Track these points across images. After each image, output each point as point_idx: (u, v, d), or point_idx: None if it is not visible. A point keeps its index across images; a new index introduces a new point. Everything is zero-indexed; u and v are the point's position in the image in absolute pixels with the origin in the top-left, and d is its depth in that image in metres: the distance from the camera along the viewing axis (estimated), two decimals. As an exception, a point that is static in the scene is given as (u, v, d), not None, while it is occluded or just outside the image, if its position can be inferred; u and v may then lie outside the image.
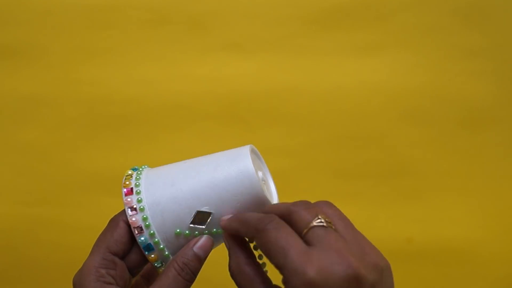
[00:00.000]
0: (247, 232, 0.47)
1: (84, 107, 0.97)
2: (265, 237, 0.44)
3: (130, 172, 0.54)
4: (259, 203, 0.51)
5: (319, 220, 0.44)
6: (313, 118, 0.97)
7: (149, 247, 0.51)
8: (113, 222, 0.53)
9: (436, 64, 0.95)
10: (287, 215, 0.46)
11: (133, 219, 0.51)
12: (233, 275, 0.48)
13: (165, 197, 0.51)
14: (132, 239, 0.52)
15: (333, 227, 0.45)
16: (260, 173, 0.53)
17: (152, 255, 0.51)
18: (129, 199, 0.51)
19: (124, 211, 0.52)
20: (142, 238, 0.50)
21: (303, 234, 0.44)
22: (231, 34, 0.96)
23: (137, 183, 0.52)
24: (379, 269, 0.43)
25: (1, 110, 0.98)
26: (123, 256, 0.53)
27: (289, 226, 0.45)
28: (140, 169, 0.54)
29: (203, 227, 0.51)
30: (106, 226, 0.53)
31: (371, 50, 0.95)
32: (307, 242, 0.43)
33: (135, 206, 0.51)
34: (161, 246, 0.51)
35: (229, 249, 0.50)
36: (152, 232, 0.50)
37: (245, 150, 0.52)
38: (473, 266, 0.95)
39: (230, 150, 0.54)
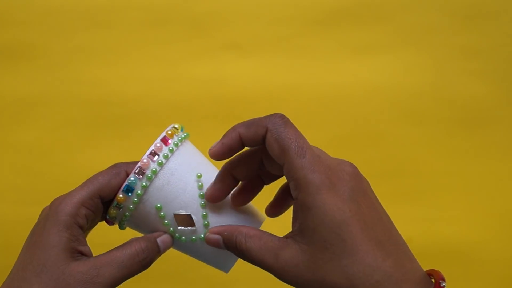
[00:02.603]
0: (256, 130, 0.47)
1: (84, 107, 0.97)
2: (283, 133, 0.46)
3: (177, 126, 0.52)
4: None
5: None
6: (313, 118, 0.97)
7: (129, 189, 0.48)
8: (116, 169, 0.51)
9: (436, 64, 0.95)
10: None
11: (145, 161, 0.48)
12: (246, 243, 0.47)
13: (184, 181, 0.49)
14: None
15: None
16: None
17: (122, 197, 0.48)
18: (158, 145, 0.49)
19: (129, 164, 0.50)
20: (132, 179, 0.48)
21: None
22: (231, 34, 0.96)
23: (176, 143, 0.50)
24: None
25: (1, 110, 0.98)
26: (106, 203, 0.51)
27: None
28: (183, 135, 0.52)
29: (186, 228, 0.49)
30: (107, 169, 0.51)
31: (371, 50, 0.95)
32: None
33: (158, 154, 0.48)
34: (135, 200, 0.48)
35: (226, 233, 0.48)
36: (144, 184, 0.48)
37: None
38: (473, 266, 0.95)
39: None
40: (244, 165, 0.50)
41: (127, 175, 0.50)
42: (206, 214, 0.49)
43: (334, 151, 0.97)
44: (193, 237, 0.49)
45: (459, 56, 0.94)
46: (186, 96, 0.96)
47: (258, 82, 0.96)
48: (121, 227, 0.51)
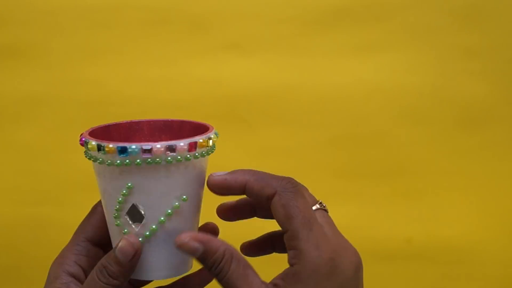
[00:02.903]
0: (264, 187, 0.45)
1: (84, 107, 0.97)
2: (292, 200, 0.44)
3: (213, 136, 0.49)
4: None
5: (322, 204, 0.46)
6: (313, 118, 0.97)
7: (123, 150, 0.44)
8: (92, 209, 0.52)
9: (436, 64, 0.95)
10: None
11: (158, 146, 0.44)
12: (225, 265, 0.44)
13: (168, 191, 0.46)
14: None
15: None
16: None
17: (112, 147, 0.45)
18: (182, 144, 0.45)
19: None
20: (134, 147, 0.45)
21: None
22: (231, 34, 0.96)
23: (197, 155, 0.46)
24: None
25: (1, 110, 0.98)
26: (100, 242, 0.50)
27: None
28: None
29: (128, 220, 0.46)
30: (86, 215, 0.52)
31: (371, 50, 0.95)
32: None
33: (176, 149, 0.45)
34: (118, 162, 0.45)
35: (206, 244, 0.44)
36: (138, 162, 0.45)
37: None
38: (472, 266, 0.95)
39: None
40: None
41: (101, 209, 0.49)
42: (168, 216, 0.46)
43: (334, 151, 0.98)
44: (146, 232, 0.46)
45: (459, 56, 0.94)
46: (186, 96, 0.96)
47: (258, 82, 0.96)
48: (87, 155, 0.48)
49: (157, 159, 0.45)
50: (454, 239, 0.96)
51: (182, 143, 0.45)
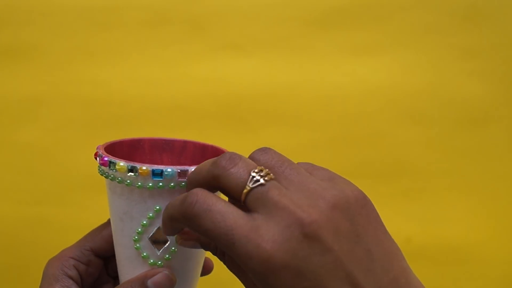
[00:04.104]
0: (179, 224, 0.39)
1: (84, 107, 0.97)
2: (200, 227, 0.36)
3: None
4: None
5: (255, 179, 0.36)
6: (313, 118, 0.97)
7: (159, 173, 0.43)
8: (106, 222, 0.51)
9: (436, 64, 0.95)
10: (214, 182, 0.38)
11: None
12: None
13: None
14: None
15: (273, 178, 0.37)
16: None
17: (145, 169, 0.43)
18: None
19: None
20: (170, 170, 0.43)
21: (242, 201, 0.36)
22: (231, 34, 0.96)
23: None
24: (340, 207, 0.36)
25: (1, 110, 0.98)
26: (104, 255, 0.50)
27: (220, 196, 0.38)
28: None
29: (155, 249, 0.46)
30: (98, 226, 0.51)
31: (371, 50, 0.95)
32: (250, 209, 0.36)
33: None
34: (150, 185, 0.44)
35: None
36: (172, 185, 0.44)
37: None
38: (472, 266, 0.95)
39: None
40: None
41: None
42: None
43: (334, 151, 0.98)
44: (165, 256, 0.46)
45: (459, 56, 0.94)
46: (186, 96, 0.96)
47: (258, 82, 0.96)
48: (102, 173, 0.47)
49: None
50: (454, 239, 0.96)
51: None
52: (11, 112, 0.98)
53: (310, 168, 0.40)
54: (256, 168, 0.37)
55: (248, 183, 0.36)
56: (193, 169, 0.42)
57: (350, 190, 0.38)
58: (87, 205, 0.95)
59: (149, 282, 0.44)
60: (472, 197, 0.96)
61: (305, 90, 0.96)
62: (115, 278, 0.53)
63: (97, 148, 0.47)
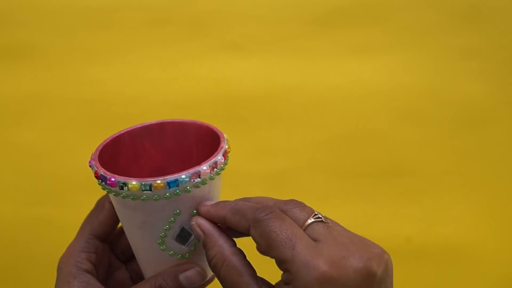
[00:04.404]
0: (240, 221, 0.43)
1: (84, 107, 0.97)
2: (267, 227, 0.41)
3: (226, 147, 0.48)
4: None
5: (317, 216, 0.42)
6: (313, 118, 0.97)
7: (174, 183, 0.44)
8: (99, 203, 0.51)
9: (435, 64, 0.95)
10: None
11: (205, 168, 0.45)
12: (215, 267, 0.43)
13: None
14: (117, 222, 0.51)
15: (330, 224, 0.43)
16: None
17: (160, 183, 0.44)
18: (219, 158, 0.46)
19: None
20: (184, 177, 0.44)
21: (303, 229, 0.41)
22: (231, 34, 0.96)
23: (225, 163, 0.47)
24: (384, 261, 0.41)
25: (1, 110, 0.98)
26: (107, 239, 0.51)
27: None
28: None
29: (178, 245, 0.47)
30: (92, 208, 0.51)
31: (370, 50, 0.95)
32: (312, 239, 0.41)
33: (216, 167, 0.46)
34: (167, 195, 0.44)
35: (205, 237, 0.45)
36: (188, 188, 0.45)
37: None
38: (472, 266, 0.95)
39: None
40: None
41: (110, 204, 0.49)
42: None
43: (334, 151, 0.98)
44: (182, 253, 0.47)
45: (459, 56, 0.94)
46: (186, 96, 0.96)
47: (258, 82, 0.96)
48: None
49: (205, 181, 0.45)
50: (454, 238, 0.96)
51: (219, 157, 0.46)
52: (11, 112, 0.98)
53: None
54: (316, 211, 0.43)
55: (311, 217, 0.42)
56: (205, 168, 0.44)
57: (387, 253, 0.43)
58: (87, 205, 0.95)
59: (182, 276, 0.46)
60: (472, 197, 0.96)
61: (305, 90, 0.96)
62: (126, 262, 0.54)
63: (91, 165, 0.47)
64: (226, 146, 0.48)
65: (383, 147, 0.96)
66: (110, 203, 0.50)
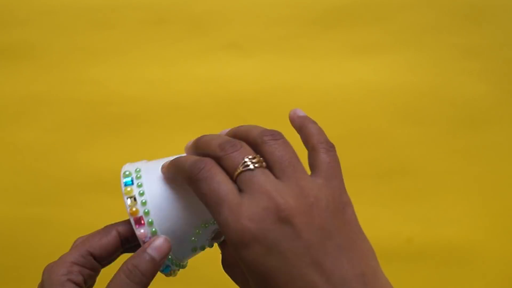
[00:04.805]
0: (182, 179, 0.44)
1: (84, 107, 0.97)
2: (199, 189, 0.42)
3: (129, 189, 0.49)
4: None
5: (245, 164, 0.42)
6: (313, 117, 0.96)
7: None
8: (107, 228, 0.50)
9: (436, 64, 0.95)
10: (218, 160, 0.43)
11: (142, 230, 0.47)
12: (229, 268, 0.46)
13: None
14: (118, 253, 0.50)
15: (265, 166, 0.42)
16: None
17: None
18: (142, 231, 0.47)
19: (120, 223, 0.49)
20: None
21: (234, 180, 0.42)
22: (231, 34, 0.96)
23: (143, 201, 0.48)
24: (319, 206, 0.41)
25: (1, 110, 0.98)
26: (101, 262, 0.50)
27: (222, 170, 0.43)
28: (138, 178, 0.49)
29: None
30: (98, 230, 0.50)
31: (371, 50, 0.95)
32: (240, 189, 0.41)
33: (143, 222, 0.47)
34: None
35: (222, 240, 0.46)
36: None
37: None
38: (473, 266, 0.95)
39: None
40: None
41: (118, 233, 0.49)
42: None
43: (334, 151, 0.97)
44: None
45: (459, 56, 0.94)
46: (186, 96, 0.96)
47: (258, 82, 0.96)
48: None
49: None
50: (454, 239, 0.95)
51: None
52: (11, 112, 0.98)
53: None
54: (250, 155, 0.42)
55: (239, 166, 0.42)
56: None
57: (337, 195, 0.44)
58: (87, 205, 0.95)
59: (149, 249, 0.46)
60: (472, 197, 0.96)
61: (305, 90, 0.96)
62: None
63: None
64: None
65: (383, 147, 0.96)
66: (118, 232, 0.49)
